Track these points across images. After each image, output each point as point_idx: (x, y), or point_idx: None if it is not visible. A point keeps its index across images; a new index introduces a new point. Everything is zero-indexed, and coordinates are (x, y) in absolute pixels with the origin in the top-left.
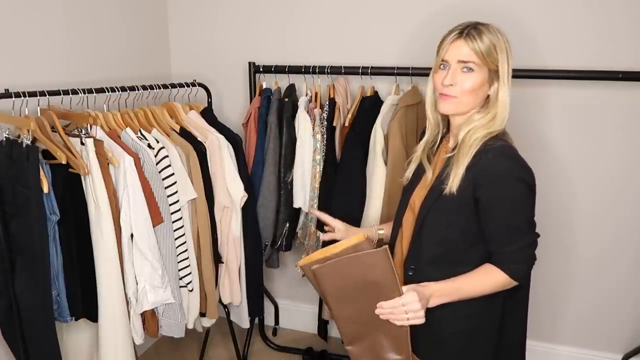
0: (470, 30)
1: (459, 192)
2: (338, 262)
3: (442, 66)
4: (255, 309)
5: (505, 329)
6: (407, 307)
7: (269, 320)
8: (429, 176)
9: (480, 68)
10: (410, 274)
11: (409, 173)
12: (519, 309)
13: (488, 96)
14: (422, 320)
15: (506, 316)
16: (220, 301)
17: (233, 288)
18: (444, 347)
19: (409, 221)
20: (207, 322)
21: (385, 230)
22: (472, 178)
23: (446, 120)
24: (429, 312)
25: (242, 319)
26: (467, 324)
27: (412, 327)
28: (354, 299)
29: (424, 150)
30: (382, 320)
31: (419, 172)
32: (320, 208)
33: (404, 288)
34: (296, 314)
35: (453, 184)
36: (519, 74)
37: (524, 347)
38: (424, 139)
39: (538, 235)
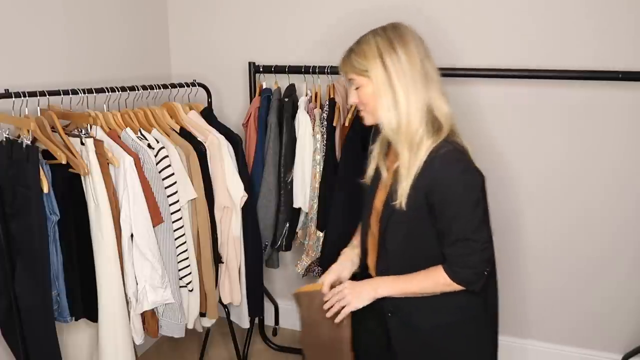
0: (345, 55)
1: (412, 203)
2: (300, 294)
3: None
4: (255, 309)
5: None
6: (341, 293)
7: (269, 320)
8: (385, 179)
9: (362, 80)
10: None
11: (371, 171)
12: (487, 308)
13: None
14: (356, 306)
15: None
16: (220, 301)
17: (233, 288)
18: (421, 343)
19: (375, 223)
20: (207, 322)
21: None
22: (423, 186)
23: None
24: (397, 311)
25: (242, 319)
26: (438, 320)
27: (392, 327)
28: (314, 328)
29: (380, 152)
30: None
31: (378, 172)
32: (320, 208)
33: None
34: (296, 314)
35: (402, 200)
36: (519, 75)
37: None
38: (378, 141)
39: (488, 241)
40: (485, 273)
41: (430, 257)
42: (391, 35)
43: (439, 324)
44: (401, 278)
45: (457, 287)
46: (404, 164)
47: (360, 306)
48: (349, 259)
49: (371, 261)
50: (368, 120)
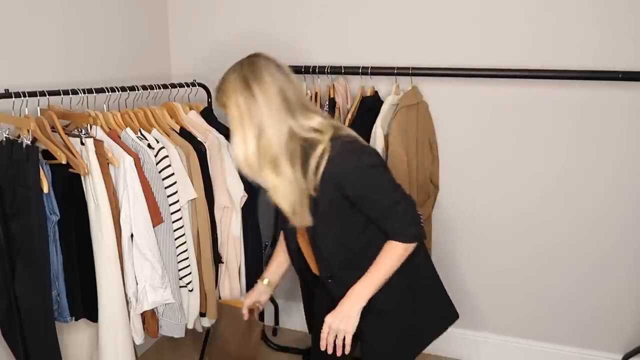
0: (217, 89)
1: (327, 201)
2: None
3: None
4: None
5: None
6: (331, 330)
7: (269, 320)
8: None
9: (231, 113)
10: (329, 281)
11: None
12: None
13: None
14: (353, 328)
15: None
16: None
17: (233, 288)
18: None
19: (303, 237)
20: (207, 322)
21: (272, 277)
22: (333, 183)
23: None
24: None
25: None
26: (386, 305)
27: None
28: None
29: None
30: None
31: None
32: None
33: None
34: (296, 314)
35: (305, 218)
36: (519, 75)
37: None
38: None
39: (407, 195)
40: (422, 220)
41: (366, 246)
42: (247, 72)
43: (387, 309)
44: (367, 276)
45: (413, 246)
46: (277, 194)
47: (355, 325)
48: (263, 286)
49: (314, 268)
50: None
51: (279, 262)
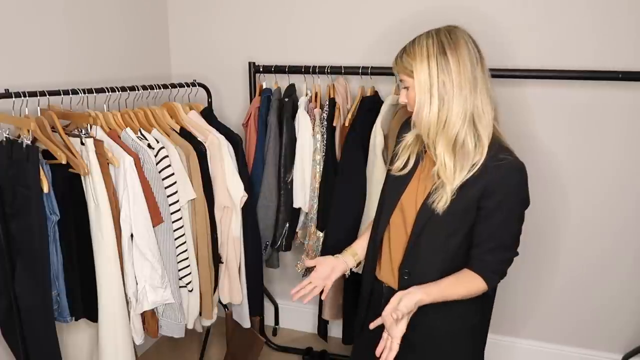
0: (399, 53)
1: (463, 203)
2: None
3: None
4: (256, 308)
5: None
6: (397, 337)
7: (269, 320)
8: (422, 178)
9: (410, 82)
10: (405, 277)
11: (401, 163)
12: (488, 313)
13: None
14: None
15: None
16: (220, 301)
17: (233, 288)
18: (436, 345)
19: (398, 222)
20: (208, 322)
21: (359, 253)
22: (482, 187)
23: None
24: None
25: (242, 318)
26: (455, 324)
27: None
28: None
29: (414, 144)
30: None
31: (408, 166)
32: (320, 208)
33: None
34: (296, 314)
35: (444, 204)
36: (519, 75)
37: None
38: (412, 133)
39: (517, 254)
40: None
41: (459, 257)
42: (444, 38)
43: (457, 329)
44: (434, 286)
45: (484, 291)
46: (447, 168)
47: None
48: (344, 259)
49: (395, 259)
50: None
51: (364, 245)
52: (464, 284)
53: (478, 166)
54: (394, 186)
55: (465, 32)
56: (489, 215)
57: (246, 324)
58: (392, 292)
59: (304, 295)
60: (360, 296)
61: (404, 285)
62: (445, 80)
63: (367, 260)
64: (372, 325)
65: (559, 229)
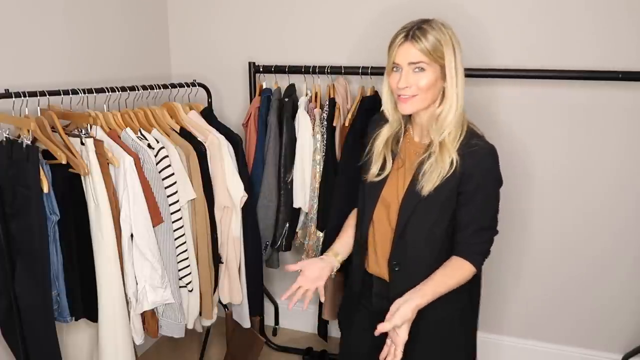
0: (415, 31)
1: (445, 190)
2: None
3: (394, 69)
4: (256, 308)
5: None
6: (399, 344)
7: (269, 320)
8: (401, 172)
9: (430, 66)
10: (396, 269)
11: (376, 169)
12: (477, 296)
13: (444, 90)
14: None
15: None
16: (220, 301)
17: (233, 288)
18: (431, 333)
19: (381, 217)
20: (207, 322)
21: (341, 252)
22: (459, 174)
23: (407, 114)
24: None
25: (242, 318)
26: (445, 311)
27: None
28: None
29: (386, 145)
30: None
31: (384, 166)
32: (320, 208)
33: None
34: (296, 314)
35: (430, 187)
36: (519, 75)
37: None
38: (383, 134)
39: (497, 232)
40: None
41: (445, 245)
42: (454, 37)
43: (447, 315)
44: (428, 285)
45: (474, 274)
46: (446, 151)
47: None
48: (330, 259)
49: (383, 253)
50: (410, 109)
51: (345, 242)
52: (454, 276)
53: (457, 148)
54: (373, 186)
55: None
56: (470, 200)
57: (246, 324)
58: (383, 283)
59: (300, 301)
60: (349, 291)
61: (395, 276)
62: (459, 69)
63: (354, 258)
64: (377, 332)
65: (559, 228)
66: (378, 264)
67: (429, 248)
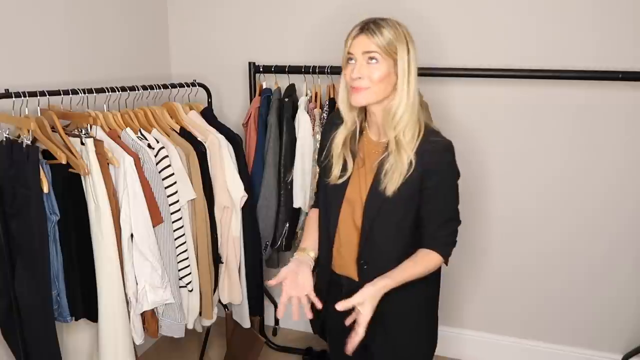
0: (370, 25)
1: (408, 188)
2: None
3: (349, 60)
4: (256, 308)
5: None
6: (362, 323)
7: (269, 320)
8: (362, 172)
9: (384, 59)
10: (364, 267)
11: (338, 171)
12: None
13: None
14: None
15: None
16: (220, 301)
17: (233, 288)
18: (390, 328)
19: (346, 217)
20: (207, 322)
21: (312, 249)
22: (421, 171)
23: (362, 113)
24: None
25: (242, 318)
26: (405, 307)
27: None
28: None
29: (345, 146)
30: None
31: (346, 167)
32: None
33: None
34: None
35: (393, 187)
36: (519, 75)
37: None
38: (340, 135)
39: (460, 222)
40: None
41: (412, 240)
42: (407, 34)
43: (407, 311)
44: (396, 271)
45: (442, 265)
46: (403, 151)
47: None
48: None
49: (350, 252)
50: (362, 100)
51: (313, 240)
52: (422, 263)
53: (416, 147)
54: (336, 188)
55: None
56: (433, 194)
57: (246, 324)
58: (352, 282)
59: (302, 307)
60: (317, 290)
61: (364, 275)
62: (414, 67)
63: (320, 258)
64: (337, 307)
65: (559, 229)
66: (345, 264)
67: (395, 244)
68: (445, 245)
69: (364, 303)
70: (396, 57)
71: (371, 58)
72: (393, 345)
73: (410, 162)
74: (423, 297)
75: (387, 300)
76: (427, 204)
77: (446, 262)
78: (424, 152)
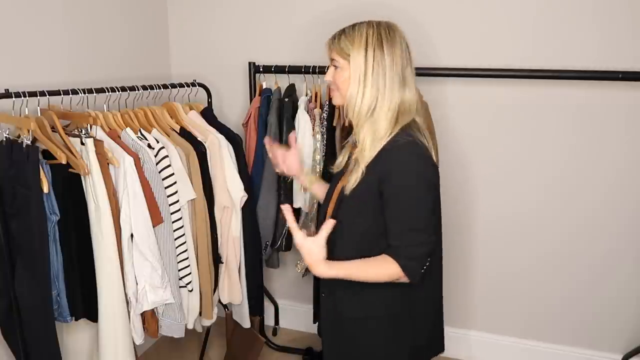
0: (336, 33)
1: (364, 189)
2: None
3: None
4: (256, 308)
5: (412, 328)
6: (302, 249)
7: (269, 320)
8: (347, 171)
9: (346, 64)
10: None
11: (339, 161)
12: (427, 306)
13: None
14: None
15: (412, 313)
16: (220, 301)
17: (233, 288)
18: (342, 330)
19: (330, 209)
20: (207, 322)
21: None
22: (378, 172)
23: None
24: (331, 293)
25: (242, 318)
26: (361, 312)
27: (323, 307)
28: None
29: (351, 143)
30: None
31: (347, 162)
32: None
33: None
34: (296, 314)
35: (351, 186)
36: (517, 74)
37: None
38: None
39: (433, 237)
40: (424, 268)
41: (362, 248)
42: (383, 32)
43: (363, 316)
44: (347, 264)
45: (401, 280)
46: (362, 152)
47: (321, 272)
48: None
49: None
50: (337, 101)
51: (324, 192)
52: (374, 265)
53: (379, 149)
54: (333, 181)
55: (401, 31)
56: (390, 199)
57: (246, 324)
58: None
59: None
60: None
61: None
62: (379, 71)
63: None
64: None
65: (559, 229)
66: None
67: (352, 242)
68: (407, 259)
69: (301, 246)
70: (350, 61)
71: (334, 65)
72: (339, 345)
73: (364, 170)
74: (384, 311)
75: (331, 308)
76: (386, 209)
77: (410, 279)
78: (386, 153)
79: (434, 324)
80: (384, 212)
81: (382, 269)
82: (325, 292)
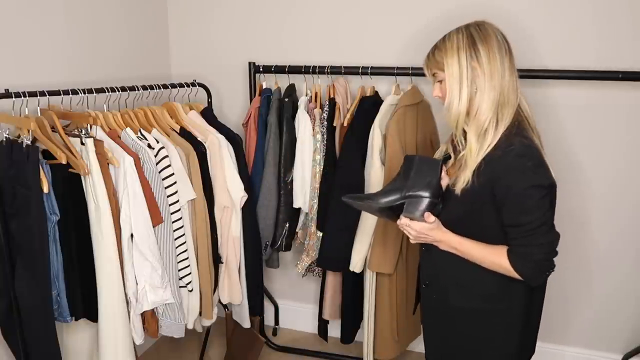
0: (430, 50)
1: (475, 191)
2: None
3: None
4: (256, 308)
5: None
6: (408, 229)
7: (269, 320)
8: (449, 165)
9: (442, 75)
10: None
11: (439, 153)
12: (533, 311)
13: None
14: (412, 239)
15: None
16: (220, 301)
17: (233, 288)
18: (451, 320)
19: None
20: (207, 322)
21: None
22: (490, 173)
23: None
24: (437, 280)
25: (242, 318)
26: (477, 304)
27: (424, 295)
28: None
29: (450, 139)
30: None
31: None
32: (320, 208)
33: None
34: (296, 314)
35: (461, 186)
36: (519, 75)
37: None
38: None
39: (555, 238)
40: (548, 273)
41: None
42: (473, 31)
43: (469, 307)
44: (467, 241)
45: (515, 276)
46: (470, 153)
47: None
48: None
49: None
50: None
51: None
52: (489, 251)
53: (488, 150)
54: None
55: (494, 25)
56: (502, 204)
57: (246, 324)
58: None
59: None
60: None
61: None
62: (476, 68)
63: None
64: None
65: (559, 228)
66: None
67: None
68: (519, 257)
69: (411, 225)
70: (446, 69)
71: (438, 80)
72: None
73: (479, 164)
74: (480, 305)
75: (440, 297)
76: (501, 211)
77: (526, 279)
78: (496, 156)
79: (534, 325)
80: (499, 214)
81: (493, 257)
82: (426, 282)
